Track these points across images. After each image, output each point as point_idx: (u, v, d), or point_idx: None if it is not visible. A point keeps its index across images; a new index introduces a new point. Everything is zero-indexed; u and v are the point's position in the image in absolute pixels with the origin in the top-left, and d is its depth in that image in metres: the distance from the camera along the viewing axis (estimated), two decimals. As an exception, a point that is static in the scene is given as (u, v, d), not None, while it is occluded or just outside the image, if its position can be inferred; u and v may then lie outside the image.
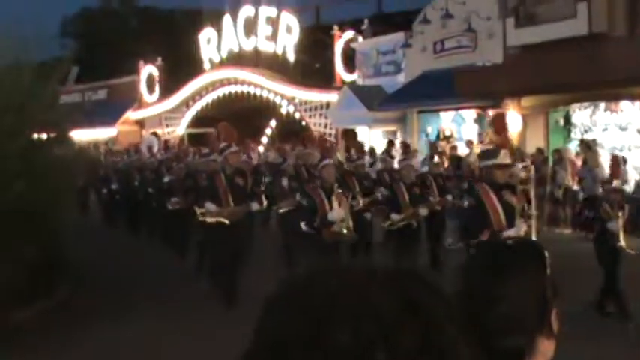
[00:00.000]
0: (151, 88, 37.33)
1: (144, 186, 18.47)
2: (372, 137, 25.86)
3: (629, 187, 16.94)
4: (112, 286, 12.08)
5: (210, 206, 11.12)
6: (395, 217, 11.99)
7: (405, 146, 21.31)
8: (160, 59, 36.64)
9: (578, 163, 18.68)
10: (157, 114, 36.67)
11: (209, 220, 11.15)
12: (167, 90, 35.72)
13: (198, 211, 11.37)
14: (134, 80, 38.01)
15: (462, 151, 21.36)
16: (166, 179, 16.51)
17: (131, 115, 38.17)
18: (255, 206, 11.66)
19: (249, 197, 11.53)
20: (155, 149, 21.59)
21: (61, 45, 49.41)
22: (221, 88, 32.63)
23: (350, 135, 26.78)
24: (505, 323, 1.82)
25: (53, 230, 11.38)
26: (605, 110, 19.53)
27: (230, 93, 32.16)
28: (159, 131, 36.38)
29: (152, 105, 37.02)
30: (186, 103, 34.91)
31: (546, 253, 1.88)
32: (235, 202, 11.18)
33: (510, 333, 1.83)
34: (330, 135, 27.83)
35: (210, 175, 11.79)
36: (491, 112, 22.34)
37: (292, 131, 28.13)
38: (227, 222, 10.97)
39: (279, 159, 19.05)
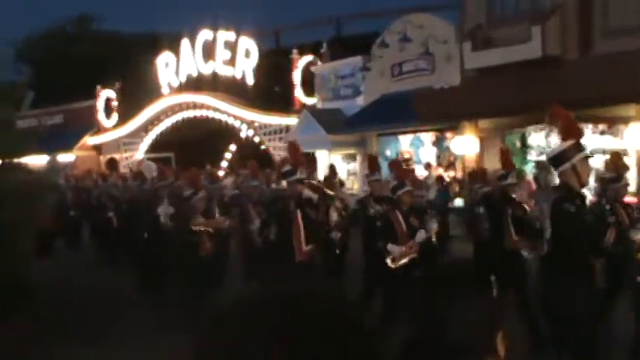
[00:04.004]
0: (108, 113, 37.02)
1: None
2: (332, 161, 25.88)
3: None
4: (77, 316, 11.79)
5: (394, 248, 9.24)
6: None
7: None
8: (117, 83, 36.37)
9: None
10: (115, 139, 36.35)
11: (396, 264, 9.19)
12: (125, 115, 35.44)
13: (389, 258, 9.18)
14: (91, 105, 37.64)
15: (420, 173, 21.44)
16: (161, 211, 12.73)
17: (89, 140, 37.78)
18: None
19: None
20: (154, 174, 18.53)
21: (16, 69, 48.86)
22: (180, 112, 32.47)
23: (309, 159, 26.77)
24: (453, 346, 1.82)
25: (14, 257, 11.12)
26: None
27: (189, 118, 32.02)
28: (116, 156, 36.09)
29: (110, 130, 36.70)
30: (145, 128, 34.66)
31: (492, 277, 1.89)
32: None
33: (458, 356, 1.83)
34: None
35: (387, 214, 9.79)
36: (449, 136, 22.52)
37: (251, 155, 28.06)
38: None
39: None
